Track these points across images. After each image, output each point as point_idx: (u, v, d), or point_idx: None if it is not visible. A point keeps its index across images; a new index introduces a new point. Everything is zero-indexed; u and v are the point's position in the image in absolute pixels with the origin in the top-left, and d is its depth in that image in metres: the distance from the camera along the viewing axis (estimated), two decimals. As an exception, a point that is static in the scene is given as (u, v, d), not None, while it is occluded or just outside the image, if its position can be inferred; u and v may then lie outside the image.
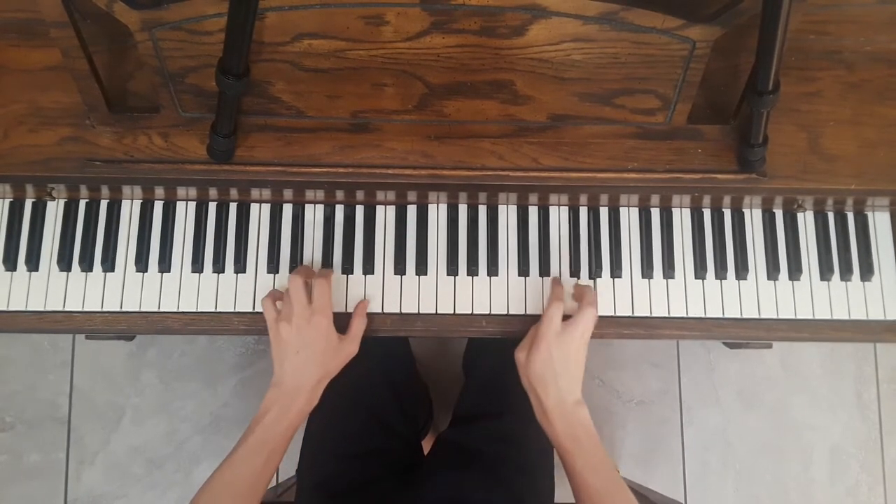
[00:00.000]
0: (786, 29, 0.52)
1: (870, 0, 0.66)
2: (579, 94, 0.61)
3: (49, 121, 0.64)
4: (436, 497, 0.71)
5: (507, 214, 0.73)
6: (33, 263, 0.69)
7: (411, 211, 0.72)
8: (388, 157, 0.65)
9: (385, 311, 0.70)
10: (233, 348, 1.31)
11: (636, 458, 1.30)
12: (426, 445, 0.89)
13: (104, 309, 0.69)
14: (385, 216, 0.72)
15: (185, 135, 0.64)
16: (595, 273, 0.71)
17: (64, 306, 0.69)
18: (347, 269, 0.71)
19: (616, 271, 0.71)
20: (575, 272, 0.71)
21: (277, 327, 0.62)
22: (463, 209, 0.72)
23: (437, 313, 0.70)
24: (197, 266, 0.70)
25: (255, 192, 0.70)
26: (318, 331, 0.62)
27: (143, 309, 0.69)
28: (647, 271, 0.71)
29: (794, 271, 0.71)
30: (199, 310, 0.69)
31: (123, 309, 0.69)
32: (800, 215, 0.73)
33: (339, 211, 0.72)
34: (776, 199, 0.71)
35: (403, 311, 0.70)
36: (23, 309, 0.69)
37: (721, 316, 0.70)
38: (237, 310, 0.69)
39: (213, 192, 0.71)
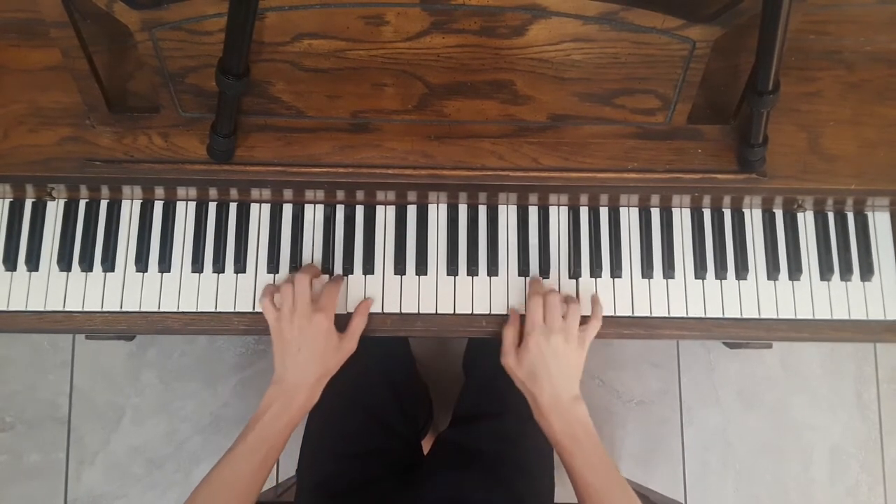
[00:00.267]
0: (786, 29, 0.52)
1: (870, 0, 0.66)
2: (579, 94, 0.61)
3: (49, 121, 0.64)
4: (436, 497, 0.71)
5: (507, 214, 0.73)
6: (33, 263, 0.69)
7: (411, 211, 0.72)
8: (388, 157, 0.65)
9: (385, 311, 0.70)
10: (233, 348, 1.31)
11: (636, 458, 1.30)
12: (426, 445, 0.89)
13: (104, 309, 0.69)
14: (385, 216, 0.72)
15: (185, 135, 0.64)
16: (595, 273, 0.71)
17: (64, 306, 0.69)
18: (347, 269, 0.71)
19: (616, 271, 0.71)
20: (575, 272, 0.71)
21: (279, 326, 0.63)
22: (463, 209, 0.72)
23: (437, 313, 0.70)
24: (197, 266, 0.70)
25: (255, 192, 0.70)
26: (319, 330, 0.62)
27: (143, 309, 0.69)
28: (647, 271, 0.71)
29: (794, 271, 0.71)
30: (199, 310, 0.69)
31: (123, 309, 0.69)
32: (800, 215, 0.73)
33: (339, 211, 0.72)
34: (776, 199, 0.71)
35: (403, 311, 0.70)
36: (23, 309, 0.69)
37: (721, 316, 0.70)
38: (237, 310, 0.69)
39: (213, 192, 0.71)
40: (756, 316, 0.70)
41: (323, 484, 0.75)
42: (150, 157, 0.64)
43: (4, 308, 0.69)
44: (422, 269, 0.71)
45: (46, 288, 0.69)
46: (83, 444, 1.28)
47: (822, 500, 1.30)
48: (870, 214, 0.73)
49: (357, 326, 0.67)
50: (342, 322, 0.67)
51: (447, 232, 0.72)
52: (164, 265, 0.70)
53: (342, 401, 0.81)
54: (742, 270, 0.71)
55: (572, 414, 0.60)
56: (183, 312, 0.69)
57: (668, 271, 0.71)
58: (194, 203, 0.72)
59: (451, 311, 0.70)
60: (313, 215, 0.72)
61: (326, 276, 0.70)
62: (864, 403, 1.33)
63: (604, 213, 0.73)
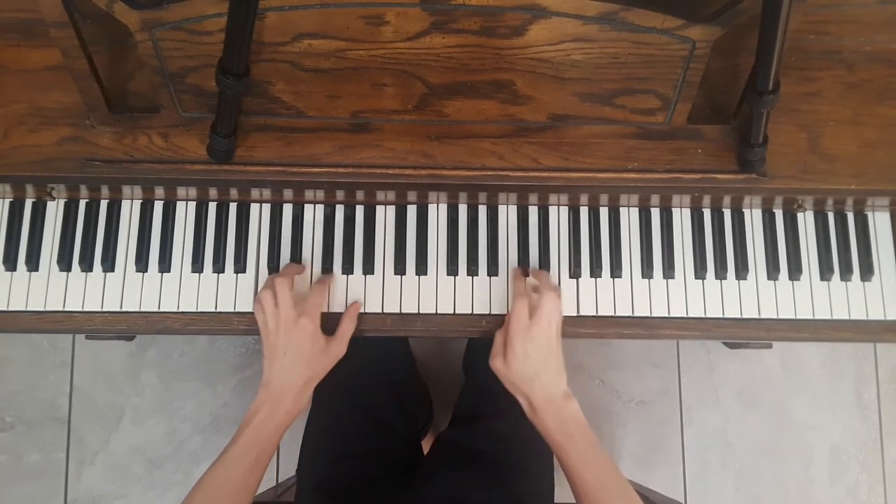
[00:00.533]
0: (786, 29, 0.52)
1: (870, 0, 0.66)
2: (579, 94, 0.61)
3: (49, 121, 0.64)
4: (436, 497, 0.71)
5: (507, 214, 0.72)
6: (33, 263, 0.69)
7: (411, 211, 0.72)
8: (388, 157, 0.65)
9: (385, 311, 0.70)
10: (233, 348, 1.31)
11: (636, 458, 1.30)
12: (426, 445, 0.89)
13: (104, 309, 0.69)
14: (385, 216, 0.72)
15: (185, 135, 0.64)
16: (595, 273, 0.71)
17: (64, 306, 0.69)
18: (347, 269, 0.71)
19: (616, 271, 0.71)
20: (575, 272, 0.71)
21: (266, 330, 0.63)
22: (463, 209, 0.72)
23: (437, 313, 0.70)
24: (197, 266, 0.70)
25: (255, 192, 0.70)
26: (304, 333, 0.62)
27: (143, 309, 0.69)
28: (647, 271, 0.71)
29: (794, 271, 0.71)
30: (199, 310, 0.69)
31: (123, 309, 0.69)
32: (800, 215, 0.73)
33: (339, 211, 0.72)
34: (776, 199, 0.71)
35: (403, 311, 0.70)
36: (23, 309, 0.69)
37: (721, 316, 0.70)
38: (237, 310, 0.69)
39: (213, 192, 0.71)
40: (756, 316, 0.70)
41: (323, 484, 0.75)
42: (150, 157, 0.64)
43: (4, 308, 0.69)
44: (422, 269, 0.71)
45: (46, 288, 0.69)
46: (83, 444, 1.28)
47: (822, 500, 1.30)
48: (870, 214, 0.73)
49: (346, 330, 0.66)
50: (334, 324, 0.67)
51: (447, 232, 0.72)
52: (164, 265, 0.70)
53: (342, 401, 0.81)
54: (742, 270, 0.71)
55: (566, 411, 0.60)
56: (183, 312, 0.69)
57: (668, 271, 0.71)
58: (194, 203, 0.72)
59: (451, 311, 0.70)
60: (313, 215, 0.72)
61: (309, 272, 0.70)
62: (864, 403, 1.33)
63: (604, 213, 0.73)
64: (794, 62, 0.67)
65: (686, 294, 0.71)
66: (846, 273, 0.71)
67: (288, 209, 0.72)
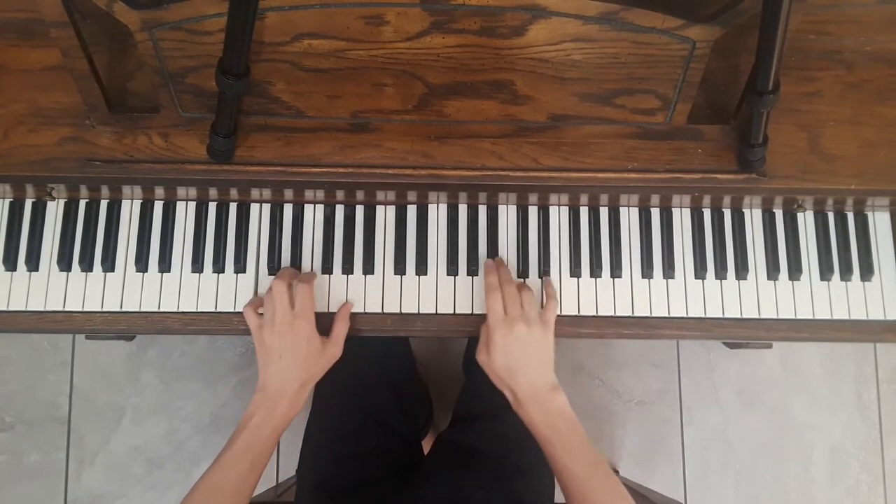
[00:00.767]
0: (786, 29, 0.52)
1: (870, 0, 0.66)
2: (579, 94, 0.61)
3: (49, 121, 0.64)
4: (436, 497, 0.71)
5: (507, 214, 0.72)
6: (33, 263, 0.69)
7: (411, 211, 0.72)
8: (388, 157, 0.65)
9: (385, 311, 0.70)
10: (233, 348, 1.31)
11: (636, 458, 1.30)
12: (426, 445, 0.89)
13: (104, 309, 0.69)
14: (385, 216, 0.72)
15: (185, 135, 0.64)
16: (595, 273, 0.71)
17: (64, 306, 0.69)
18: (347, 269, 0.71)
19: (616, 271, 0.71)
20: (575, 272, 0.71)
21: (261, 333, 0.63)
22: (463, 209, 0.72)
23: (437, 313, 0.70)
24: (197, 266, 0.70)
25: (255, 192, 0.70)
26: (299, 335, 0.62)
27: (142, 309, 0.69)
28: (647, 271, 0.71)
29: (794, 271, 0.71)
30: (199, 310, 0.69)
31: (123, 309, 0.69)
32: (800, 215, 0.73)
33: (339, 211, 0.72)
34: (776, 199, 0.71)
35: (403, 311, 0.70)
36: (23, 309, 0.69)
37: (721, 316, 0.70)
38: (237, 310, 0.69)
39: (213, 192, 0.71)
40: (756, 316, 0.70)
41: (323, 484, 0.75)
42: (150, 157, 0.64)
43: (4, 308, 0.69)
44: (422, 269, 0.71)
45: (46, 288, 0.69)
46: (83, 444, 1.28)
47: (823, 500, 1.30)
48: (870, 214, 0.73)
49: (340, 331, 0.66)
50: (327, 324, 0.67)
51: (447, 232, 0.72)
52: (164, 265, 0.70)
53: (342, 401, 0.81)
54: (742, 270, 0.71)
55: (552, 404, 0.60)
56: (183, 312, 0.69)
57: (668, 271, 0.71)
58: (194, 203, 0.72)
59: (451, 311, 0.70)
60: (313, 215, 0.72)
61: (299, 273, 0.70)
62: (864, 403, 1.33)
63: (604, 213, 0.73)
64: (794, 62, 0.67)
65: (686, 294, 0.71)
66: (846, 273, 0.71)
67: (288, 209, 0.72)
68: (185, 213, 0.71)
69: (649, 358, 1.33)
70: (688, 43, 0.57)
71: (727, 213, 0.73)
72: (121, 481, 1.27)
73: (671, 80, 0.60)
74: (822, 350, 1.34)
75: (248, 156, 0.64)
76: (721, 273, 0.71)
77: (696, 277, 0.71)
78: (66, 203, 0.71)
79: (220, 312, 0.69)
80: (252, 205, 0.72)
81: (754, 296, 0.71)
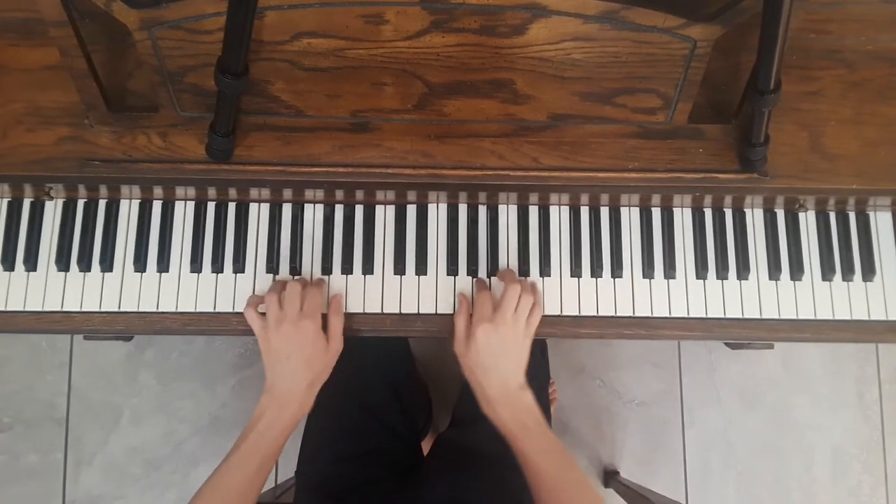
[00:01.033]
0: (787, 28, 0.52)
1: (871, -1, 0.66)
2: (580, 93, 0.61)
3: (47, 120, 0.64)
4: (435, 497, 0.71)
5: (508, 214, 0.72)
6: (31, 263, 0.69)
7: (411, 211, 0.72)
8: (388, 157, 0.64)
9: (385, 311, 0.70)
10: (231, 349, 1.31)
11: (637, 458, 1.30)
12: (426, 445, 0.89)
13: (102, 309, 0.69)
14: (385, 216, 0.72)
15: (184, 134, 0.64)
16: (596, 273, 0.71)
17: (62, 306, 0.69)
18: (347, 269, 0.70)
19: (617, 271, 0.71)
20: (576, 272, 0.71)
21: (267, 335, 0.62)
22: (463, 209, 0.72)
23: (437, 313, 0.70)
24: (195, 266, 0.70)
25: (254, 192, 0.70)
26: (306, 335, 0.62)
27: (141, 309, 0.69)
28: (648, 271, 0.71)
29: (796, 271, 0.71)
30: (198, 310, 0.69)
31: (122, 309, 0.69)
32: (801, 215, 0.73)
33: (339, 211, 0.72)
34: (778, 198, 0.70)
35: (403, 312, 0.70)
36: (21, 309, 0.68)
37: (722, 316, 0.70)
38: (236, 310, 0.69)
39: (211, 192, 0.70)
40: (758, 316, 0.70)
41: (322, 484, 0.74)
42: (148, 156, 0.64)
43: (2, 308, 0.68)
44: (422, 269, 0.71)
45: (44, 288, 0.69)
46: (81, 444, 1.27)
47: (824, 500, 1.30)
48: (871, 214, 0.73)
49: (336, 325, 0.66)
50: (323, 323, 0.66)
51: (447, 232, 0.71)
52: (163, 265, 0.70)
53: (342, 401, 0.81)
54: (743, 270, 0.71)
55: (520, 403, 0.61)
56: (181, 313, 0.69)
57: (670, 271, 0.71)
58: (193, 203, 0.71)
59: (451, 312, 0.70)
60: (313, 215, 0.72)
61: (309, 276, 0.70)
62: (866, 404, 1.33)
63: (604, 212, 0.72)
64: (795, 61, 0.67)
65: (687, 294, 0.71)
66: (848, 273, 0.71)
67: (287, 209, 0.72)
68: (183, 212, 0.71)
69: (650, 358, 1.33)
70: (689, 42, 0.57)
71: (728, 213, 0.72)
72: (119, 482, 1.26)
73: (672, 79, 0.60)
74: (823, 350, 1.34)
75: (247, 155, 0.64)
76: (722, 273, 0.71)
77: (698, 277, 0.71)
78: (64, 203, 0.70)
79: (218, 313, 0.69)
80: (251, 204, 0.72)
81: (756, 296, 0.71)
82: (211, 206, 0.71)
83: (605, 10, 0.54)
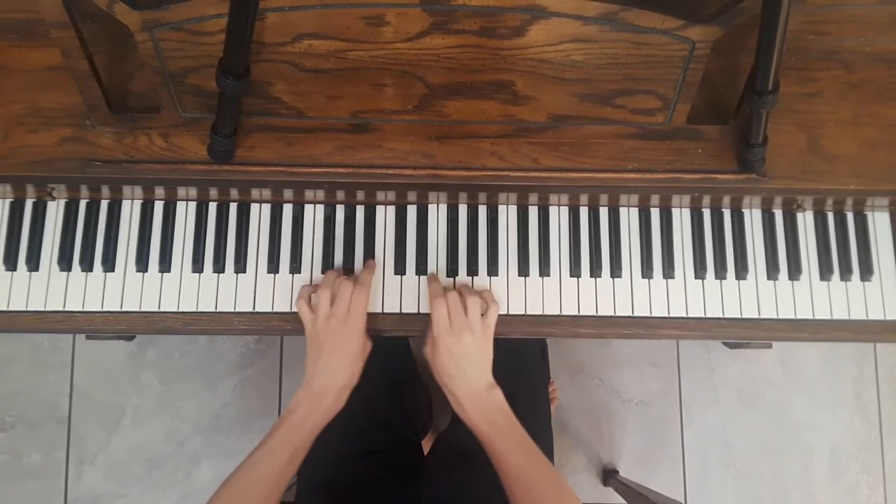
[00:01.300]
0: (785, 29, 0.52)
1: (870, 0, 0.66)
2: (579, 94, 0.61)
3: (49, 121, 0.64)
4: (435, 496, 0.71)
5: (507, 214, 0.73)
6: (34, 263, 0.69)
7: (411, 211, 0.72)
8: (389, 158, 0.65)
9: (385, 311, 0.70)
10: (233, 348, 1.32)
11: (636, 457, 1.30)
12: (426, 445, 0.89)
13: (104, 309, 0.69)
14: (385, 216, 0.72)
15: (186, 135, 0.64)
16: (595, 273, 0.71)
17: (64, 306, 0.69)
18: (348, 269, 0.71)
19: (616, 271, 0.71)
20: (575, 272, 0.71)
21: (315, 329, 0.63)
22: (463, 209, 0.73)
23: (437, 313, 0.70)
24: (197, 266, 0.70)
25: (255, 193, 0.70)
26: (352, 334, 0.63)
27: (143, 309, 0.69)
28: (646, 271, 0.71)
29: (794, 271, 0.71)
30: (200, 310, 0.69)
31: (124, 309, 0.69)
32: (799, 215, 0.73)
33: (340, 211, 0.72)
34: (776, 199, 0.71)
35: (403, 311, 0.70)
36: (23, 309, 0.69)
37: (721, 316, 0.70)
38: (237, 310, 0.70)
39: (213, 193, 0.71)
40: (756, 316, 0.70)
41: (323, 484, 0.75)
42: (150, 157, 0.64)
43: (5, 308, 0.69)
44: (422, 268, 0.71)
45: (47, 288, 0.69)
46: (83, 444, 1.28)
47: (823, 500, 1.30)
48: (869, 214, 0.73)
49: (362, 325, 0.66)
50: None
51: (447, 232, 0.72)
52: (165, 265, 0.70)
53: (342, 401, 0.81)
54: (742, 270, 0.71)
55: (490, 402, 0.61)
56: (183, 312, 0.69)
57: (668, 271, 0.71)
58: (195, 203, 0.72)
59: (451, 311, 0.70)
60: (313, 215, 0.72)
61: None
62: (864, 404, 1.33)
63: (604, 213, 0.73)
64: (793, 62, 0.67)
65: (686, 294, 0.71)
66: (846, 273, 0.71)
67: (288, 209, 0.72)
68: (185, 213, 0.71)
69: (649, 358, 1.33)
70: (687, 43, 0.57)
71: (727, 214, 0.73)
72: (121, 481, 1.27)
73: (671, 80, 0.60)
74: (821, 350, 1.34)
75: (248, 156, 0.64)
76: (721, 273, 0.71)
77: (696, 277, 0.71)
78: (66, 203, 0.71)
79: (220, 312, 0.69)
80: (252, 205, 0.72)
81: (754, 296, 0.71)
82: (212, 207, 0.72)
83: (605, 11, 0.54)
